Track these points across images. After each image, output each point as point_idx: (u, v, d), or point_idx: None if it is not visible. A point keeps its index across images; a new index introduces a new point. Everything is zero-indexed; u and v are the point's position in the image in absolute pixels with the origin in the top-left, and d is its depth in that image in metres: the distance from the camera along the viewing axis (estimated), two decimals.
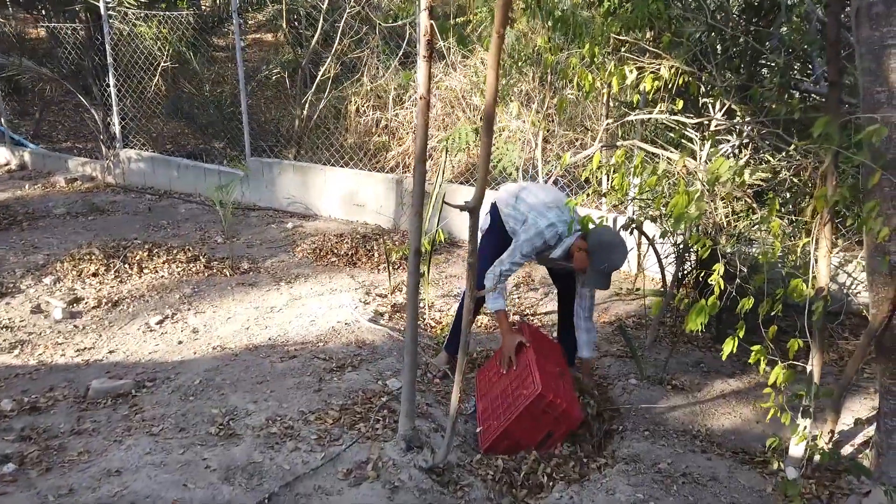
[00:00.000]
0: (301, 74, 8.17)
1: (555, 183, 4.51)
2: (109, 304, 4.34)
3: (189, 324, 4.12)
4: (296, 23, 9.19)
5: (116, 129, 7.74)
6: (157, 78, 7.94)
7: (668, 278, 4.08)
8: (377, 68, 7.58)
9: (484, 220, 3.46)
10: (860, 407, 3.35)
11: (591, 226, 2.98)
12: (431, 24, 2.58)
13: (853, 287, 4.30)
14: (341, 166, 6.70)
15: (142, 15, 7.74)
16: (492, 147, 2.26)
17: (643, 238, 4.33)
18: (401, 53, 7.10)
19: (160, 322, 4.12)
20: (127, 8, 7.67)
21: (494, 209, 3.39)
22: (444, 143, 5.16)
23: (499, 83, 1.96)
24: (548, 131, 5.54)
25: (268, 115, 8.51)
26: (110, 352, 3.75)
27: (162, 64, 7.72)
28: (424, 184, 2.68)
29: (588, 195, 4.45)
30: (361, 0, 7.09)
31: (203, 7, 10.96)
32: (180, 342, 3.85)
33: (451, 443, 2.61)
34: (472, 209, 1.99)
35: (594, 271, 3.02)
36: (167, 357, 3.64)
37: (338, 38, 7.61)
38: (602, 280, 3.05)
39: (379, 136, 7.38)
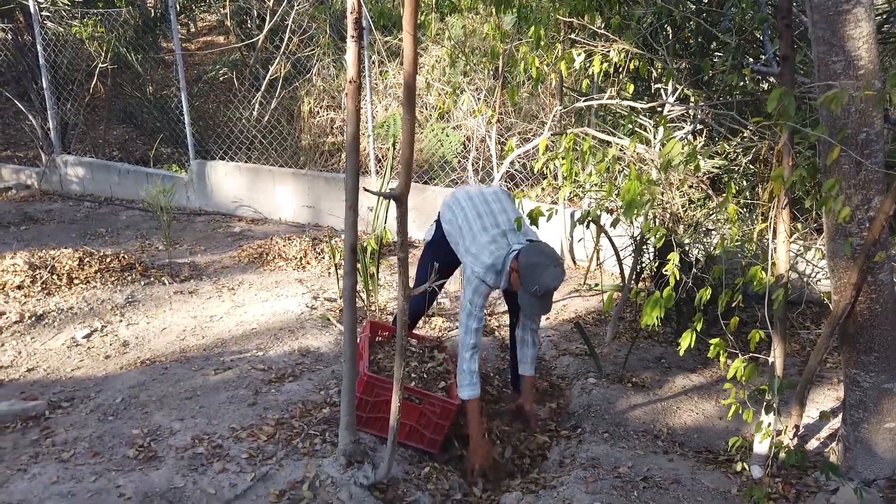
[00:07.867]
0: (249, 74, 7.87)
1: (506, 176, 4.33)
2: (33, 319, 4.00)
3: (119, 336, 3.81)
4: (247, 24, 8.89)
5: (52, 134, 7.33)
6: (94, 80, 7.56)
7: (627, 272, 3.93)
8: (329, 67, 7.36)
9: (428, 230, 3.25)
10: (824, 398, 3.23)
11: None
12: (359, 1, 2.38)
13: (813, 275, 4.21)
14: (290, 167, 6.42)
15: (78, 14, 7.36)
16: (415, 126, 2.06)
17: (600, 231, 4.17)
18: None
19: (88, 336, 3.81)
20: (61, 7, 7.28)
21: (438, 221, 3.16)
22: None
23: (417, 49, 1.76)
24: (502, 124, 5.37)
25: (218, 118, 8.19)
26: (29, 370, 3.43)
27: (99, 65, 7.33)
28: (358, 175, 2.46)
29: (543, 189, 4.28)
30: None
31: (148, 6, 10.53)
32: (107, 357, 3.56)
33: (394, 456, 2.39)
34: (398, 197, 1.78)
35: (526, 294, 2.70)
36: (91, 373, 3.34)
37: (286, 36, 7.36)
38: (537, 303, 2.71)
39: (334, 136, 7.15)
